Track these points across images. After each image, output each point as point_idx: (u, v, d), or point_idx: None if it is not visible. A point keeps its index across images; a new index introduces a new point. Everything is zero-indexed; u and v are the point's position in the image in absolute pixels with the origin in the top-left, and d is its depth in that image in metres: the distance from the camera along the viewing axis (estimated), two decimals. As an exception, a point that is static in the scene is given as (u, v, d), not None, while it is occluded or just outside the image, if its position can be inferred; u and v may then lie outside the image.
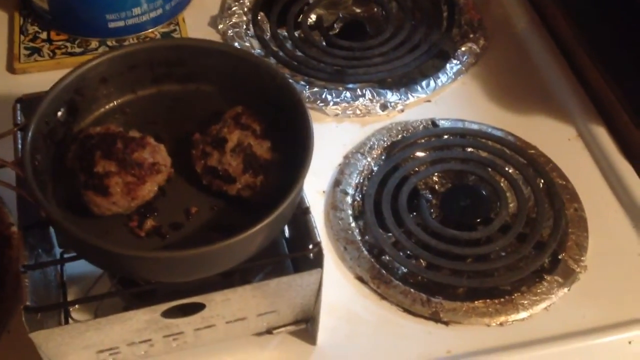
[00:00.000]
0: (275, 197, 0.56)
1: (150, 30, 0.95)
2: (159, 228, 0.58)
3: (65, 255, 0.69)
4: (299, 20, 1.01)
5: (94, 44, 0.92)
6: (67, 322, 0.65)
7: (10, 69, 0.90)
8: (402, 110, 0.89)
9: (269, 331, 0.68)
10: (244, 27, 0.98)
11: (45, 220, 0.60)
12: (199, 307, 0.58)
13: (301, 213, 0.61)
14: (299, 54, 0.96)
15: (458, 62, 0.92)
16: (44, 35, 0.93)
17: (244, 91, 0.65)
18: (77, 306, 0.64)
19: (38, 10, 0.93)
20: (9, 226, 0.74)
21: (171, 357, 0.66)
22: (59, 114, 0.61)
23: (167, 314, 0.57)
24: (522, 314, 0.70)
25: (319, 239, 0.58)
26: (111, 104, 0.65)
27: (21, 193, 0.59)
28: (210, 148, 0.60)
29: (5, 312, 0.69)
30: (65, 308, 0.65)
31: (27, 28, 0.93)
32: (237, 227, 0.53)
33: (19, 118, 0.65)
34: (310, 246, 0.60)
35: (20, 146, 0.61)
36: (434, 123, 0.87)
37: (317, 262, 0.59)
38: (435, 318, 0.70)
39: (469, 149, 0.84)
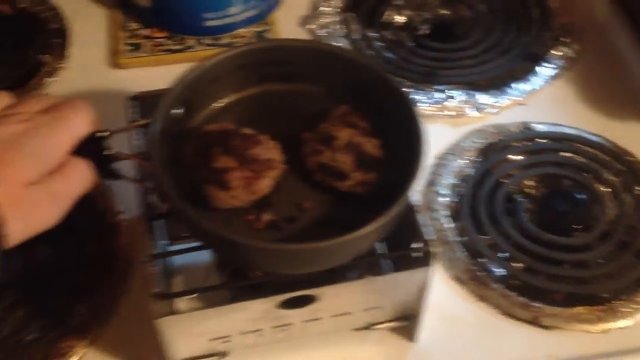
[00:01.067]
0: (384, 194, 0.57)
1: (243, 30, 0.97)
2: (275, 222, 0.59)
3: (172, 248, 0.72)
4: (388, 21, 1.02)
5: (190, 42, 0.95)
6: (175, 312, 0.67)
7: (113, 64, 0.93)
8: (496, 113, 0.89)
9: (369, 326, 0.69)
10: (334, 27, 0.99)
11: (164, 213, 0.63)
12: (310, 300, 0.59)
13: (407, 212, 0.62)
14: (388, 54, 0.97)
15: (553, 66, 0.92)
16: (144, 32, 0.96)
17: (348, 91, 0.66)
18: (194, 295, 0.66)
19: (139, 8, 0.96)
20: (117, 214, 0.77)
21: (275, 347, 0.68)
22: (176, 111, 0.62)
23: (282, 305, 0.59)
24: (625, 322, 0.70)
25: (427, 238, 0.59)
26: (220, 103, 0.67)
27: (144, 186, 0.61)
28: (320, 145, 0.61)
29: (116, 297, 0.72)
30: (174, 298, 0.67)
31: (128, 25, 0.96)
32: (350, 222, 0.54)
33: (130, 114, 0.67)
34: (416, 245, 0.61)
35: (139, 140, 0.64)
36: (528, 126, 0.87)
37: (427, 260, 0.59)
38: (535, 322, 0.71)
39: (565, 154, 0.84)
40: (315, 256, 0.56)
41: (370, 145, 0.61)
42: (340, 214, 0.60)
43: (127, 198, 0.78)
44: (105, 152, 0.54)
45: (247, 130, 0.61)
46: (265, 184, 0.59)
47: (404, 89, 0.63)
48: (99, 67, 0.93)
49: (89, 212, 0.77)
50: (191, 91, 0.63)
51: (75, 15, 0.98)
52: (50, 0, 0.99)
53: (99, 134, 0.54)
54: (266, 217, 0.59)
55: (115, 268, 0.73)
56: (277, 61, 0.66)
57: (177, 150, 0.61)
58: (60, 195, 0.50)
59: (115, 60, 0.93)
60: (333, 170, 0.60)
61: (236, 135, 0.59)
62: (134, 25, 0.96)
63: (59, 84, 0.91)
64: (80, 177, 0.52)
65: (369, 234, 0.54)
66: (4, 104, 0.53)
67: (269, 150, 0.60)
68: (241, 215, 0.59)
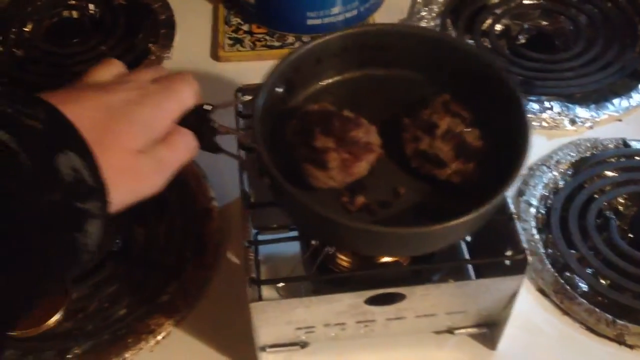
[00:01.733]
0: (482, 186, 0.56)
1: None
2: (369, 205, 0.59)
3: (260, 237, 0.74)
4: (486, 29, 1.01)
5: (290, 39, 0.97)
6: (260, 299, 0.69)
7: (215, 56, 0.96)
8: (592, 127, 0.88)
9: (449, 330, 0.70)
10: (431, 32, 0.99)
11: (258, 201, 0.64)
12: (398, 298, 0.60)
13: (506, 219, 0.62)
14: (485, 62, 0.96)
15: (655, 84, 0.90)
16: (245, 27, 0.99)
17: (449, 79, 0.65)
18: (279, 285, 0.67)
19: (242, 3, 0.99)
20: (210, 200, 0.80)
21: (354, 343, 0.69)
22: (279, 90, 0.63)
23: (370, 301, 0.60)
24: None
25: (524, 246, 0.59)
26: (321, 84, 0.67)
27: (242, 163, 0.62)
28: (420, 132, 0.60)
29: (204, 280, 0.74)
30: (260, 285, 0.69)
31: (230, 19, 1.00)
32: (444, 212, 0.53)
33: (240, 106, 0.68)
34: (510, 252, 0.61)
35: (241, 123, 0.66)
36: (625, 143, 0.85)
37: (519, 268, 0.59)
38: (619, 340, 0.69)
39: (662, 174, 0.82)
40: (406, 241, 0.56)
41: (472, 136, 0.60)
42: (434, 203, 0.59)
43: (221, 185, 0.81)
44: (208, 125, 0.55)
45: (348, 113, 0.61)
46: (362, 167, 0.59)
47: (514, 83, 0.62)
48: (201, 58, 0.97)
49: (183, 196, 0.80)
50: (294, 71, 0.64)
51: (182, 7, 1.02)
52: (160, -8, 1.03)
53: (203, 108, 0.55)
54: (360, 199, 0.59)
55: (205, 252, 0.76)
56: (380, 46, 0.66)
57: (278, 128, 0.62)
58: (165, 163, 0.51)
59: (217, 52, 0.96)
60: (432, 158, 0.60)
61: (337, 117, 0.59)
62: (236, 20, 0.99)
63: (163, 72, 0.95)
64: (185, 147, 0.53)
65: (461, 225, 0.54)
66: (117, 72, 0.54)
67: (368, 134, 0.60)
68: (336, 197, 0.59)
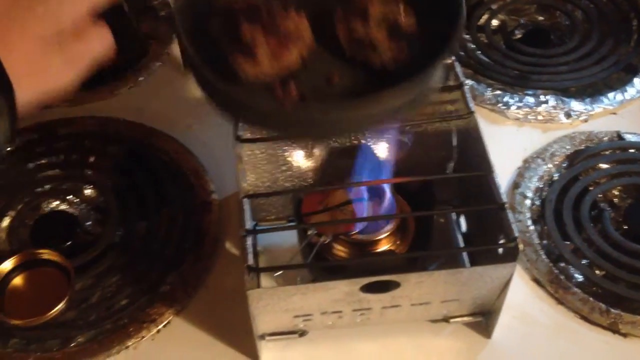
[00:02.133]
0: (417, 71, 0.55)
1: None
2: (302, 95, 0.57)
3: (258, 227, 0.75)
4: (482, 24, 1.02)
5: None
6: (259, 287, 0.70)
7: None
8: (586, 120, 0.89)
9: (445, 319, 0.71)
10: (428, 27, 1.01)
11: (258, 192, 0.65)
12: (393, 286, 0.61)
13: (497, 208, 0.63)
14: (482, 57, 0.97)
15: (650, 77, 0.91)
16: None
17: None
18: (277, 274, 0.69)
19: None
20: (210, 193, 0.81)
21: (352, 331, 0.70)
22: None
23: (365, 289, 0.61)
24: None
25: (516, 234, 0.60)
26: None
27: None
28: (354, 20, 0.59)
29: (204, 270, 0.76)
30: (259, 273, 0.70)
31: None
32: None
33: None
34: (503, 240, 0.62)
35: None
36: (619, 136, 0.86)
37: (511, 256, 0.60)
38: (613, 329, 0.70)
39: (656, 165, 0.83)
40: (338, 119, 0.54)
41: (405, 20, 0.59)
42: (371, 89, 0.55)
43: (220, 178, 0.82)
44: (129, 24, 0.52)
45: (275, 3, 0.59)
46: (293, 55, 0.57)
47: None
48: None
49: (183, 189, 0.82)
50: None
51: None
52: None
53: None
54: (292, 89, 0.56)
55: (204, 243, 0.77)
56: None
57: (205, 23, 0.59)
58: (76, 57, 0.48)
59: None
60: (366, 44, 0.58)
61: (264, 8, 0.58)
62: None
63: (162, 67, 0.96)
64: (99, 40, 0.49)
65: (392, 95, 0.53)
66: None
67: (298, 23, 0.58)
68: (269, 90, 0.57)
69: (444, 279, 0.61)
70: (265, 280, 0.69)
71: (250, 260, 0.59)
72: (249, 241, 0.60)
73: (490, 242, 0.65)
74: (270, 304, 0.61)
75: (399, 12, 0.59)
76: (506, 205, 0.63)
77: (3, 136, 0.43)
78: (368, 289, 0.61)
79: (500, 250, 0.63)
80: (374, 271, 0.61)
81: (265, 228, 0.68)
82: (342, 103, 0.54)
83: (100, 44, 0.50)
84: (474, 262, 0.71)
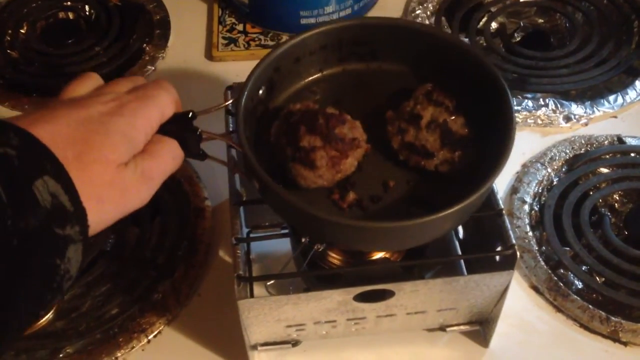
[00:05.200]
0: (470, 174, 0.56)
1: (336, 29, 0.99)
2: (360, 201, 0.59)
3: (252, 235, 0.74)
4: (481, 27, 1.01)
5: (284, 38, 0.97)
6: (252, 296, 0.69)
7: (209, 56, 0.96)
8: (586, 124, 0.87)
9: (442, 328, 0.69)
10: (426, 30, 0.99)
11: (249, 199, 0.64)
12: (387, 295, 0.60)
13: (494, 214, 0.61)
14: (480, 60, 0.96)
15: (651, 80, 0.90)
16: (240, 27, 0.99)
17: (429, 68, 0.65)
18: (271, 282, 0.67)
19: (236, 3, 0.99)
20: (203, 200, 0.80)
21: (347, 340, 0.69)
22: (260, 91, 0.63)
23: (358, 298, 0.59)
24: None
25: (513, 242, 0.59)
26: (301, 83, 0.67)
27: (231, 166, 0.62)
28: (405, 124, 0.60)
29: (196, 278, 0.74)
30: (252, 283, 0.69)
31: (225, 19, 1.00)
32: (436, 201, 0.53)
33: (230, 106, 0.68)
34: (500, 248, 0.61)
35: (230, 124, 0.65)
36: (620, 139, 0.85)
37: (508, 264, 0.59)
38: (613, 337, 0.69)
39: (657, 170, 0.81)
40: (398, 234, 0.55)
41: (456, 124, 0.60)
42: (425, 193, 0.59)
43: (213, 185, 0.81)
44: (192, 132, 0.54)
45: (331, 110, 0.61)
46: (350, 163, 0.59)
47: (489, 62, 0.61)
48: (196, 58, 0.97)
49: (176, 196, 0.80)
50: (274, 71, 0.63)
51: (176, 8, 1.02)
52: (155, -8, 1.03)
53: (185, 114, 0.54)
54: (351, 196, 0.59)
55: (197, 251, 0.76)
56: (358, 40, 0.66)
57: (261, 130, 0.62)
58: (150, 174, 0.49)
59: (211, 52, 0.96)
60: (418, 149, 0.59)
61: (321, 115, 0.59)
62: (230, 20, 0.99)
63: (157, 73, 0.95)
64: (170, 155, 0.51)
65: (450, 215, 0.53)
66: (93, 86, 0.52)
67: (353, 130, 0.60)
68: (326, 195, 0.59)
69: (439, 287, 0.60)
70: (258, 288, 0.68)
71: (241, 269, 0.57)
72: (240, 250, 0.59)
73: (487, 249, 0.64)
74: (262, 314, 0.60)
75: (451, 119, 0.60)
76: (504, 212, 0.61)
77: (76, 262, 0.43)
78: (362, 298, 0.59)
79: (498, 257, 0.62)
80: (368, 279, 0.59)
81: (257, 236, 0.66)
82: (399, 225, 0.54)
83: (170, 158, 0.52)
84: (471, 270, 0.69)
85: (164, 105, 0.52)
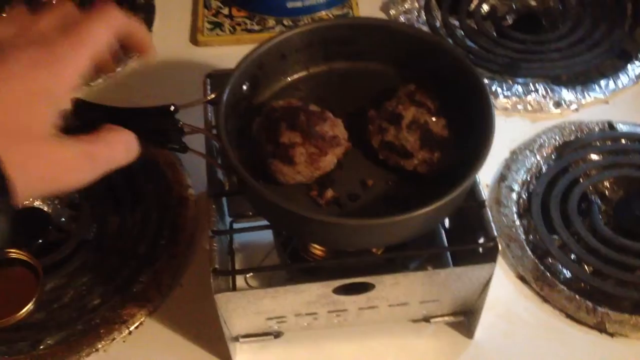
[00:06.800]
0: (450, 174, 0.56)
1: (324, 12, 0.97)
2: (338, 198, 0.59)
3: (235, 226, 0.73)
4: (472, 9, 0.99)
5: (271, 22, 0.95)
6: (234, 289, 0.68)
7: (194, 41, 0.95)
8: (577, 110, 0.86)
9: (426, 319, 0.68)
10: (416, 13, 0.98)
11: (229, 190, 0.63)
12: (367, 287, 0.59)
13: (476, 206, 0.60)
14: (470, 43, 0.94)
15: (644, 64, 0.88)
16: (225, 11, 0.97)
17: (414, 69, 0.64)
18: (250, 274, 0.67)
19: (222, -14, 0.97)
20: (186, 188, 0.79)
21: (330, 332, 0.68)
22: (244, 87, 0.62)
23: (338, 291, 0.58)
24: (697, 335, 0.66)
25: (495, 234, 0.58)
26: (286, 80, 0.66)
27: (211, 161, 0.61)
28: (386, 124, 0.60)
29: (179, 268, 0.73)
30: (234, 275, 0.68)
31: (210, 3, 0.98)
32: (413, 201, 0.53)
33: (209, 91, 0.67)
34: (482, 240, 0.59)
35: (212, 116, 0.64)
36: (611, 125, 0.83)
37: (490, 256, 0.58)
38: (600, 328, 0.68)
39: (648, 156, 0.80)
40: (374, 232, 0.55)
41: (437, 125, 0.60)
42: (404, 193, 0.59)
43: (197, 173, 0.80)
44: (174, 125, 0.54)
45: (313, 107, 0.61)
46: (329, 161, 0.59)
47: (472, 66, 0.61)
48: (180, 43, 0.95)
49: (159, 184, 0.79)
50: (259, 67, 0.63)
51: (160, -9, 1.00)
52: (139, -24, 1.01)
53: (167, 108, 0.54)
54: (329, 193, 0.59)
55: (180, 240, 0.75)
56: (343, 39, 0.65)
57: (244, 125, 0.61)
58: (99, 160, 0.47)
59: (196, 37, 0.94)
60: (398, 149, 0.59)
61: (302, 112, 0.59)
62: (216, 4, 0.98)
63: (137, 59, 0.93)
64: (122, 147, 0.49)
65: (425, 214, 0.53)
66: (20, 22, 0.45)
67: (334, 127, 0.60)
68: (304, 192, 0.59)
69: (420, 280, 0.59)
70: (240, 279, 0.67)
71: (217, 262, 0.56)
72: (217, 243, 0.58)
73: (471, 240, 0.62)
74: (240, 307, 0.59)
75: (432, 120, 0.59)
76: (486, 204, 0.60)
77: (1, 232, 0.41)
78: (342, 290, 0.59)
79: (480, 249, 0.61)
80: (350, 271, 0.58)
81: (238, 228, 0.65)
82: (374, 222, 0.54)
83: (125, 150, 0.49)
84: (456, 260, 0.68)
85: (100, 41, 0.45)
